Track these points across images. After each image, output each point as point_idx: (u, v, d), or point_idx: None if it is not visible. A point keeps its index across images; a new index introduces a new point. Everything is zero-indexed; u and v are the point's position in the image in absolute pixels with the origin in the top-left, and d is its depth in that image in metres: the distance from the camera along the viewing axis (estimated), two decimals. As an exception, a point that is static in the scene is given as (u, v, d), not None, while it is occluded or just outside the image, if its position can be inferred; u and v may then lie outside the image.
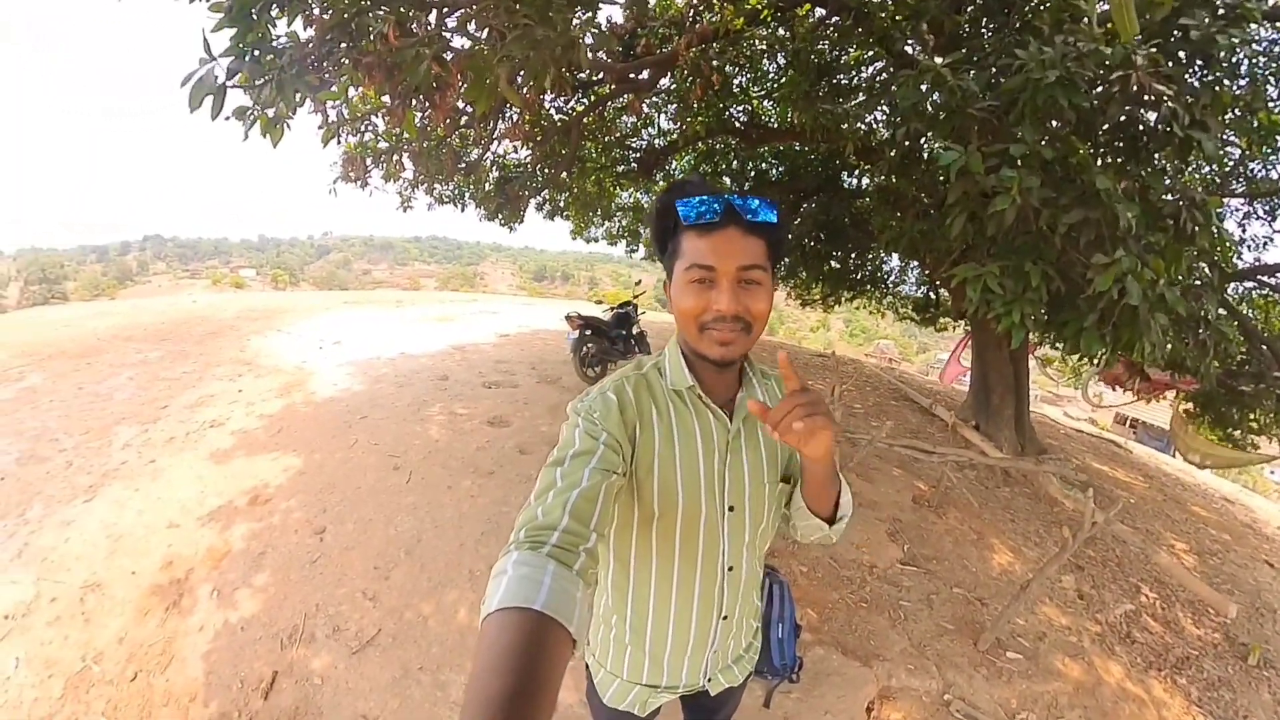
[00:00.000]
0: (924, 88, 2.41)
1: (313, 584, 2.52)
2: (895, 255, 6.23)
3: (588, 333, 5.51)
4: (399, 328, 8.30)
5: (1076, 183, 2.24)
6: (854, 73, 3.77)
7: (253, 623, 2.26)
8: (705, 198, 0.71)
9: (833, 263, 6.99)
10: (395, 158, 4.99)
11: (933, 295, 6.78)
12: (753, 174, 6.73)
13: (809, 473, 0.80)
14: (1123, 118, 2.28)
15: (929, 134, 2.66)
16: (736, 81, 5.02)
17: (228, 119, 2.05)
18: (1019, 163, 2.15)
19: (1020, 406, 5.11)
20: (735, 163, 6.83)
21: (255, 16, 1.83)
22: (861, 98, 3.29)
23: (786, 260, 7.51)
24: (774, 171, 6.81)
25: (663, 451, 0.79)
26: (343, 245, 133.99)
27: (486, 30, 1.97)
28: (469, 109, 4.76)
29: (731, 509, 0.84)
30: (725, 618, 0.89)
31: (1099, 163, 2.46)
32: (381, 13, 1.96)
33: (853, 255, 6.88)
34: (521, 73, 2.04)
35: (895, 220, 3.76)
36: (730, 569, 0.86)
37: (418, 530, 2.94)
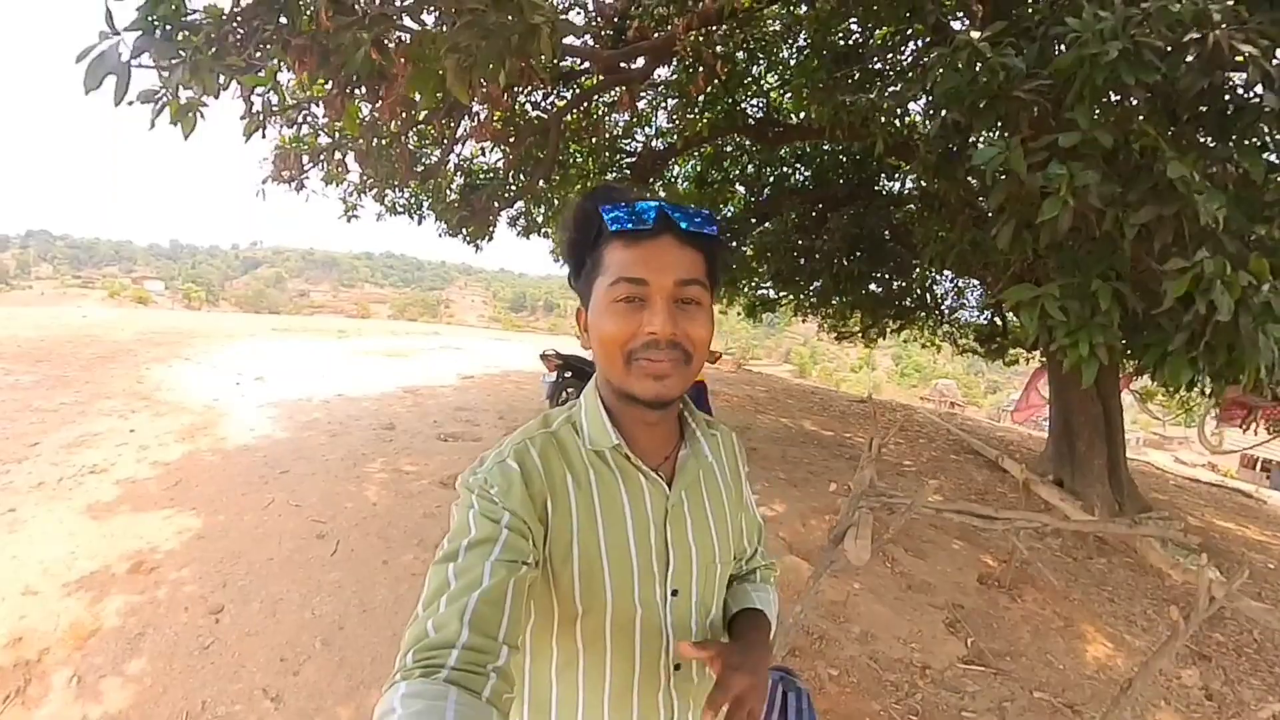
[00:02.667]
0: (960, 67, 2.49)
1: (201, 676, 2.46)
2: (944, 273, 6.33)
3: (568, 375, 5.57)
4: (339, 363, 8.47)
5: (1147, 174, 2.29)
6: (883, 55, 3.93)
7: None
8: (636, 203, 0.72)
9: (872, 285, 7.08)
10: (338, 156, 5.18)
11: (998, 320, 6.81)
12: (771, 179, 6.95)
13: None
14: (1203, 88, 2.31)
15: (970, 124, 2.76)
16: (749, 70, 5.26)
17: (132, 103, 2.16)
18: (1073, 155, 2.22)
19: (1114, 454, 5.06)
20: (750, 166, 7.09)
21: (167, -14, 1.95)
22: (893, 84, 3.42)
23: (817, 284, 7.66)
24: (796, 176, 7.03)
25: (583, 532, 0.76)
26: (274, 258, 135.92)
27: (434, 15, 2.11)
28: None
29: (675, 593, 0.81)
30: None
31: (1176, 148, 2.45)
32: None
33: (897, 275, 6.98)
34: (471, 65, 2.16)
35: (941, 230, 3.87)
36: (677, 668, 0.83)
37: (340, 615, 2.90)
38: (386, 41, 2.23)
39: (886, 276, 6.92)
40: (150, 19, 2.02)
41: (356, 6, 2.22)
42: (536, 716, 0.82)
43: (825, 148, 6.33)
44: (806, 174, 6.97)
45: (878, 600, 3.45)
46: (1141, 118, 2.36)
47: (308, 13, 2.22)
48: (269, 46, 2.38)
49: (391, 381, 7.55)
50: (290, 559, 3.29)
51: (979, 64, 2.39)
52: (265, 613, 2.86)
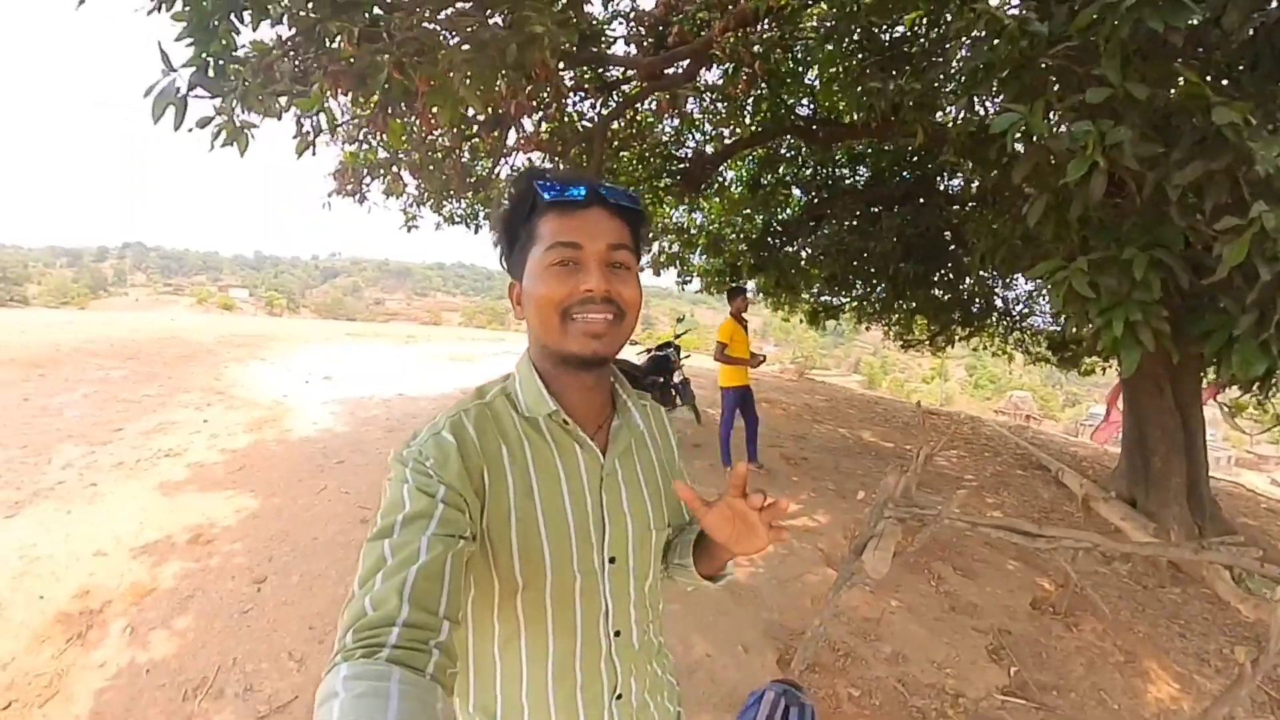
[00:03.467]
0: (979, 35, 2.39)
1: (237, 636, 2.75)
2: (997, 272, 6.00)
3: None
4: (404, 366, 9.00)
5: (1191, 126, 2.09)
6: (913, 40, 3.80)
7: (160, 668, 2.51)
8: (567, 180, 0.79)
9: (935, 289, 6.81)
10: (394, 170, 5.56)
11: (1075, 327, 6.41)
12: (827, 181, 6.86)
13: (717, 548, 0.88)
14: (1253, 30, 2.12)
15: (998, 99, 2.63)
16: (790, 69, 5.24)
17: (190, 130, 2.48)
18: (1104, 113, 2.05)
19: (1194, 471, 4.63)
20: (807, 169, 7.01)
21: (215, 27, 2.26)
22: (922, 68, 3.29)
23: (880, 288, 7.44)
24: (855, 177, 6.89)
25: (520, 503, 0.79)
26: (352, 268, 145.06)
27: (448, 35, 2.30)
28: (480, 117, 5.35)
29: (613, 560, 0.85)
30: (619, 696, 0.88)
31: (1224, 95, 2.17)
32: (343, 20, 2.33)
33: (959, 277, 6.69)
34: (472, 78, 2.34)
35: (994, 224, 3.71)
36: (618, 634, 0.87)
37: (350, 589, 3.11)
38: (406, 62, 2.43)
39: (949, 279, 6.62)
40: (203, 56, 2.33)
41: (384, 33, 2.44)
42: (482, 693, 0.85)
43: (884, 146, 6.19)
44: (865, 174, 6.83)
45: (915, 620, 3.31)
46: (1177, 64, 2.14)
47: (341, 40, 2.46)
48: (312, 73, 2.64)
49: (451, 383, 7.95)
50: (333, 540, 3.58)
51: (999, 33, 2.29)
52: (303, 586, 3.13)
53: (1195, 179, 2.01)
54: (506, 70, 2.30)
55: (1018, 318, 7.40)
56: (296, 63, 2.60)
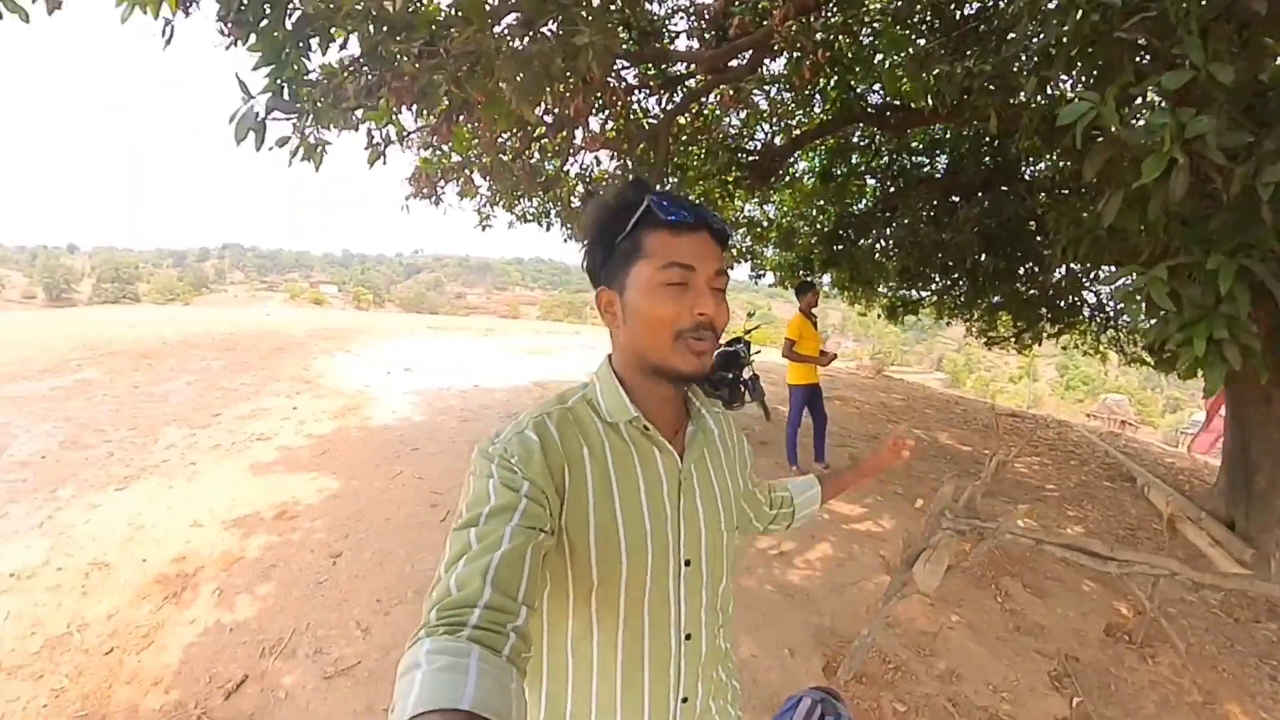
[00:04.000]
0: (1050, 12, 2.22)
1: (312, 604, 3.04)
2: (1077, 264, 5.51)
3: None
4: (481, 358, 9.42)
5: None
6: (985, 19, 3.54)
7: (242, 627, 2.83)
8: (675, 198, 0.83)
9: (1019, 284, 6.38)
10: (466, 173, 5.83)
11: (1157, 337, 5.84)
12: (904, 169, 6.57)
13: (857, 479, 1.35)
14: None
15: (1073, 78, 2.43)
16: (862, 56, 5.05)
17: (271, 149, 2.73)
18: (1185, 100, 1.86)
19: None
20: (881, 157, 6.74)
21: (288, 55, 2.49)
22: (993, 48, 3.06)
23: (962, 283, 7.06)
24: (929, 164, 6.56)
25: (599, 502, 0.81)
26: (434, 264, 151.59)
27: (491, 48, 2.42)
28: (547, 118, 5.52)
29: (688, 563, 0.87)
30: (685, 700, 0.90)
31: None
32: (400, 41, 2.51)
33: (1048, 271, 6.21)
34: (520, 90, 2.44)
35: (1074, 215, 3.44)
36: (688, 637, 0.89)
37: (434, 572, 3.32)
38: (463, 77, 2.58)
39: (1034, 272, 6.16)
40: (278, 82, 2.57)
41: (440, 50, 2.60)
42: (554, 685, 0.87)
43: (965, 132, 5.85)
44: (943, 161, 6.48)
45: (975, 638, 3.16)
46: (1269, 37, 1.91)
47: (402, 59, 2.64)
48: (378, 89, 2.85)
49: (526, 376, 8.24)
50: (404, 522, 3.85)
51: (1070, 5, 2.12)
52: (374, 562, 3.40)
53: None
54: (552, 81, 2.40)
55: (1111, 314, 6.80)
56: (364, 80, 2.80)
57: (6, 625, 2.76)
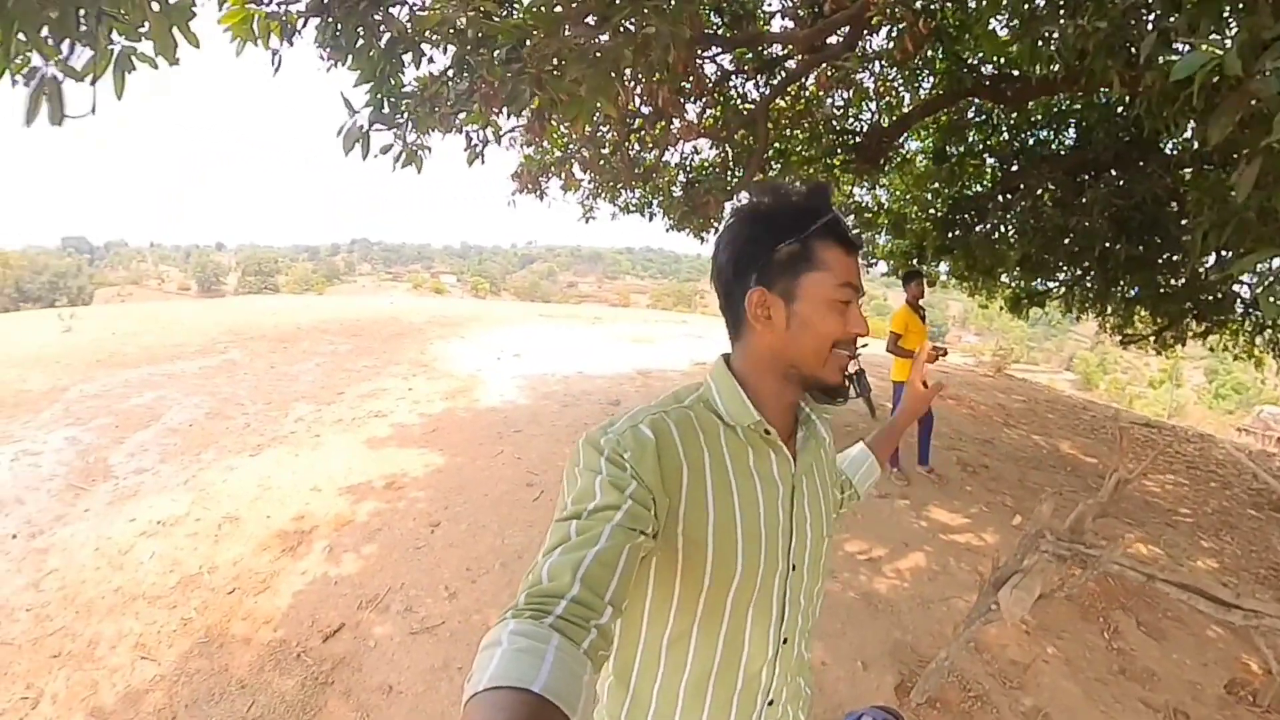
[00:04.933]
0: None
1: (408, 566, 3.36)
2: (1222, 252, 4.63)
3: None
4: (587, 346, 9.76)
5: None
6: None
7: (345, 581, 3.20)
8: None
9: (1159, 274, 5.55)
10: (568, 167, 6.02)
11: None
12: (1025, 146, 5.92)
13: (897, 430, 1.30)
14: None
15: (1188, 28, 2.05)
16: (968, 24, 4.59)
17: (375, 156, 3.00)
18: None
19: None
20: (1001, 134, 6.13)
21: (384, 71, 2.72)
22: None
23: (1093, 273, 6.31)
24: (1056, 139, 5.87)
25: (719, 505, 0.81)
26: (547, 255, 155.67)
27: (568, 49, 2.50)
28: (644, 110, 5.57)
29: (793, 568, 0.88)
30: (771, 703, 0.91)
31: None
32: (484, 52, 2.66)
33: (1194, 261, 5.34)
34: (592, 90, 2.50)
35: (1218, 193, 2.95)
36: (785, 641, 0.89)
37: (522, 547, 3.58)
38: (545, 79, 2.69)
39: (1175, 260, 5.31)
40: (378, 96, 2.82)
41: (524, 55, 2.73)
42: (642, 681, 0.88)
43: (1096, 101, 5.17)
44: (1071, 136, 5.77)
45: (1071, 675, 2.86)
46: None
47: (488, 67, 2.80)
48: (469, 95, 3.04)
49: (629, 364, 8.42)
50: (500, 498, 4.13)
51: None
52: (468, 534, 3.68)
53: None
54: (622, 75, 2.44)
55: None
56: (456, 89, 3.01)
57: (151, 563, 3.31)
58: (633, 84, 2.94)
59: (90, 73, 1.78)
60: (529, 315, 13.24)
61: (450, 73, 2.91)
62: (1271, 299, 1.92)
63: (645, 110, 5.46)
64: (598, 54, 2.45)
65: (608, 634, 0.63)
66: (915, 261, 7.55)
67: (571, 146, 5.96)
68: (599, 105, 2.80)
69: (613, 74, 2.47)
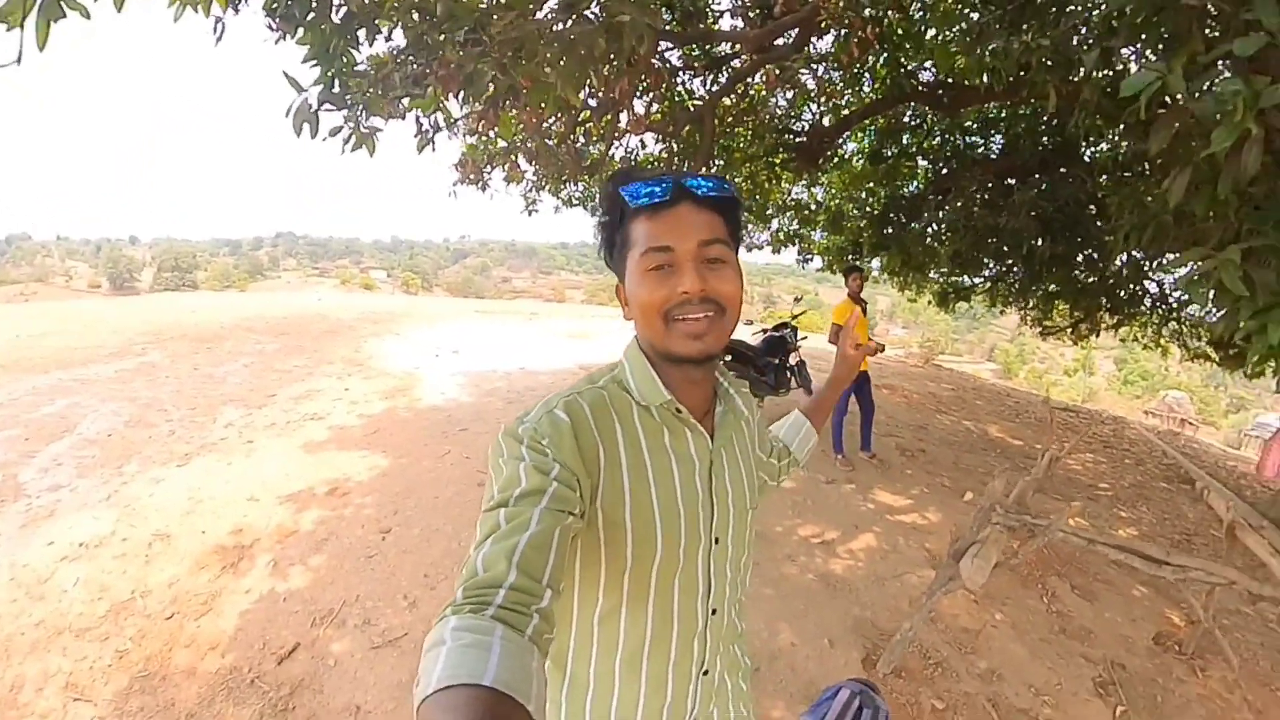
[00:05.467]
0: None
1: (361, 576, 3.18)
2: (1139, 251, 5.16)
3: (727, 359, 5.70)
4: (526, 341, 9.59)
5: None
6: None
7: (294, 597, 2.98)
8: (652, 180, 0.81)
9: (1077, 271, 6.07)
10: (512, 158, 5.87)
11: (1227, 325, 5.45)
12: (957, 150, 6.30)
13: (830, 396, 1.31)
14: None
15: (1137, 50, 2.27)
16: (913, 32, 4.84)
17: (325, 139, 2.81)
18: (1258, 68, 1.73)
19: None
20: (934, 138, 6.48)
21: (335, 48, 2.55)
22: (1053, 20, 2.87)
23: (1017, 270, 6.78)
24: (984, 145, 6.28)
25: (635, 484, 0.82)
26: (481, 250, 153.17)
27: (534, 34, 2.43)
28: (591, 102, 5.49)
29: (716, 541, 0.90)
30: (706, 673, 0.93)
31: None
32: (444, 31, 2.53)
33: (1109, 259, 5.88)
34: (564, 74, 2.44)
35: (1138, 198, 3.24)
36: (714, 612, 0.92)
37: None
38: (509, 63, 2.59)
39: (1093, 258, 5.84)
40: (328, 74, 2.65)
41: (485, 37, 2.62)
42: (580, 662, 0.90)
43: (1021, 110, 5.58)
44: (999, 141, 6.19)
45: (1019, 638, 3.09)
46: None
47: (447, 48, 2.67)
48: (424, 78, 2.89)
49: (571, 359, 8.35)
50: (452, 500, 3.97)
51: None
52: (422, 538, 3.52)
53: None
54: (595, 63, 2.39)
55: (1174, 306, 6.37)
56: (411, 70, 2.85)
57: (76, 590, 2.97)
58: (607, 72, 2.87)
59: (10, 17, 1.55)
60: (464, 311, 12.92)
61: (407, 52, 2.75)
62: (1201, 289, 2.10)
63: (592, 102, 5.41)
64: (572, 38, 2.38)
65: (549, 617, 0.63)
66: (852, 257, 7.86)
67: (517, 137, 5.82)
68: (564, 93, 2.73)
69: (589, 61, 2.41)
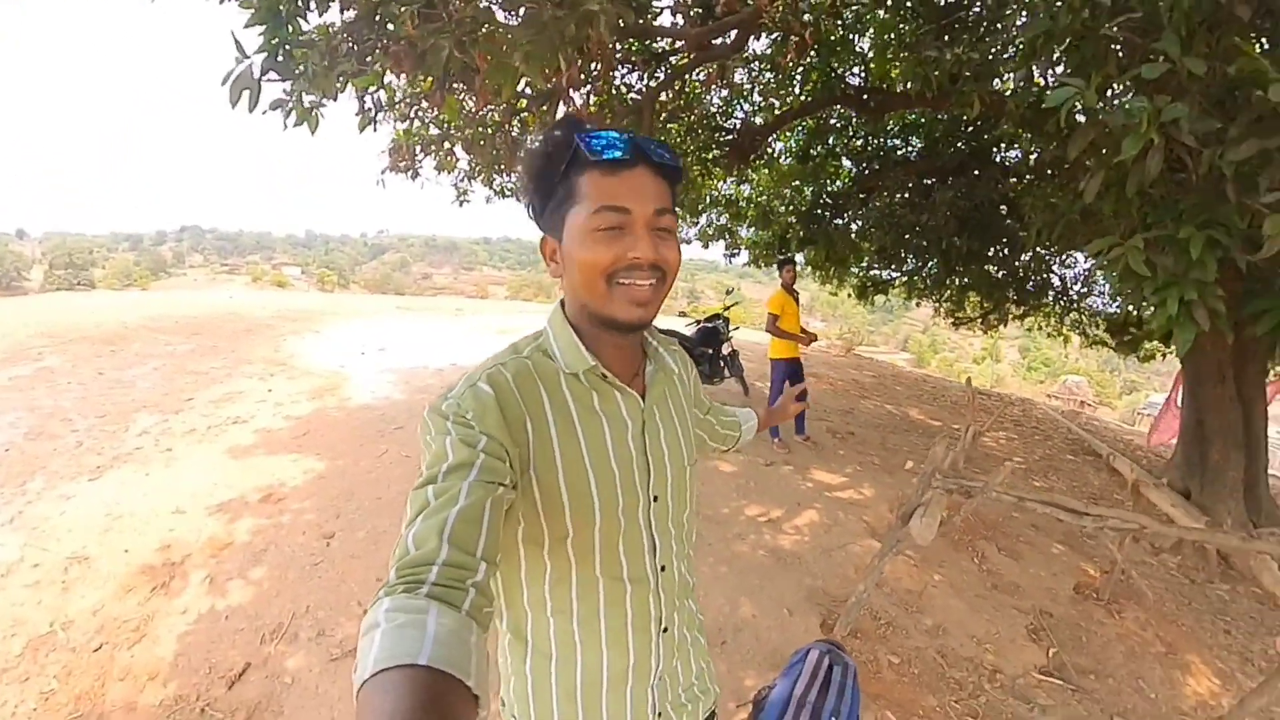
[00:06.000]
0: (1042, 9, 2.33)
1: (308, 586, 2.99)
2: (1047, 248, 5.76)
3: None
4: (454, 337, 9.29)
5: (1248, 103, 2.05)
6: (968, 7, 3.64)
7: (238, 613, 2.76)
8: (611, 132, 0.77)
9: (989, 265, 6.61)
10: (446, 146, 5.68)
11: (1131, 309, 6.17)
12: (879, 152, 6.68)
13: (770, 421, 1.43)
14: None
15: (1058, 69, 2.56)
16: (846, 38, 5.10)
17: (265, 112, 2.62)
18: (1162, 89, 2.01)
19: (1254, 468, 4.48)
20: (858, 139, 6.83)
21: (284, 13, 2.37)
22: (982, 37, 3.18)
23: (930, 263, 7.27)
24: (905, 147, 6.70)
25: (566, 451, 0.81)
26: (400, 245, 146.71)
27: (507, 15, 2.37)
28: (528, 90, 5.40)
29: (655, 499, 0.89)
30: (665, 630, 0.93)
31: None
32: (402, 5, 2.42)
33: (1014, 254, 6.47)
34: (532, 56, 2.40)
35: (1053, 197, 3.58)
36: (663, 568, 0.91)
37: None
38: (466, 41, 2.50)
39: (1003, 254, 6.41)
40: (273, 42, 2.46)
41: (443, 13, 2.52)
42: (539, 630, 0.88)
43: (939, 116, 5.99)
44: (918, 145, 6.63)
45: (957, 595, 3.35)
46: (1239, 39, 2.08)
47: (402, 22, 2.54)
48: (373, 53, 2.75)
49: (503, 354, 8.18)
50: (396, 499, 3.80)
51: (1061, 2, 2.24)
52: (368, 541, 3.37)
53: (1252, 156, 1.98)
54: (565, 47, 2.35)
55: (1075, 298, 7.13)
56: (357, 44, 2.71)
57: None
58: (565, 59, 2.82)
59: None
60: (385, 308, 12.38)
61: (358, 24, 2.60)
62: (1113, 274, 2.36)
63: (529, 90, 5.32)
64: (545, 20, 2.32)
65: (487, 591, 0.62)
66: (780, 252, 8.16)
67: (453, 124, 5.62)
68: (530, 75, 2.65)
69: (560, 45, 2.36)
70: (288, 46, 2.46)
